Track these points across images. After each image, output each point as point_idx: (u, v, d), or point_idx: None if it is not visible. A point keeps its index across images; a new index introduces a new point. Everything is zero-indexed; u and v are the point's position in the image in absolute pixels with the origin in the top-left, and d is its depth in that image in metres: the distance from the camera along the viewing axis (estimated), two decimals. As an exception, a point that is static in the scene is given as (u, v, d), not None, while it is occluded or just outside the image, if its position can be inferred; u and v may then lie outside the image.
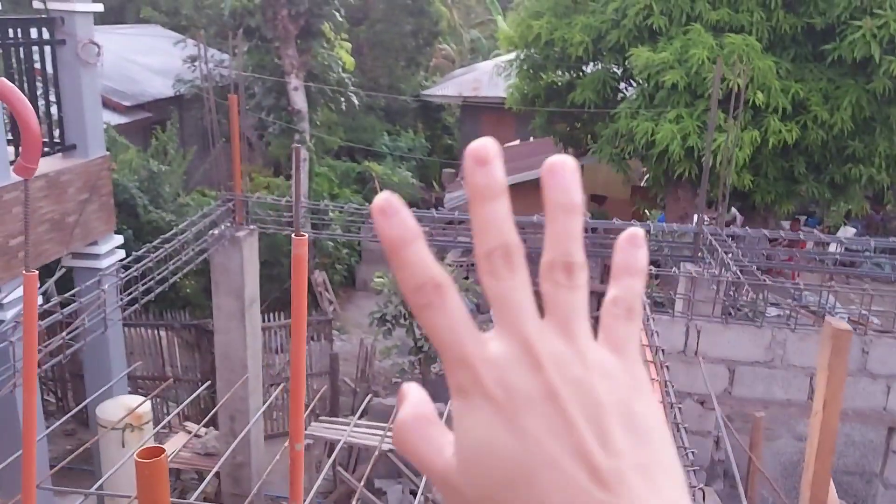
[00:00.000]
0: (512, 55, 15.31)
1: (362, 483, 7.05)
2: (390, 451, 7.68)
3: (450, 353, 0.44)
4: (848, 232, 14.61)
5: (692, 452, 4.47)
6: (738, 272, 7.51)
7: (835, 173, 11.86)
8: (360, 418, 8.35)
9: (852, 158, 11.61)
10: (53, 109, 8.08)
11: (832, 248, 12.55)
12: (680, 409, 5.03)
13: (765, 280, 7.53)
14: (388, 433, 7.86)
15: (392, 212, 0.44)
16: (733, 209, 13.80)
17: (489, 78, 22.19)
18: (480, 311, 14.94)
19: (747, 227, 9.98)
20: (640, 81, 12.50)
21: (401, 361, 11.99)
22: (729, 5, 11.50)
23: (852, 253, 11.06)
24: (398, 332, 11.72)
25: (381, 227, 0.44)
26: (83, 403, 6.02)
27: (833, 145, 11.56)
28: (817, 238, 9.50)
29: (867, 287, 8.05)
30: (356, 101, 17.33)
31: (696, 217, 9.97)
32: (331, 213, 11.72)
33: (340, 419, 8.93)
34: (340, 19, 16.19)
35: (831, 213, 12.69)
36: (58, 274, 8.14)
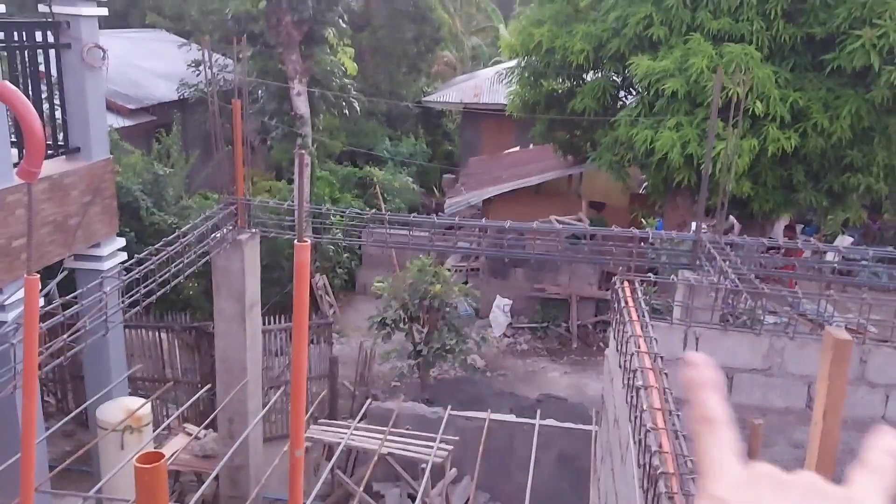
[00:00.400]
0: (513, 62, 15.39)
1: (361, 487, 7.09)
2: (389, 454, 7.72)
3: (709, 468, 0.61)
4: (845, 241, 14.66)
5: (690, 460, 4.51)
6: (737, 280, 7.55)
7: (833, 182, 11.91)
8: (359, 422, 8.39)
9: (850, 168, 11.67)
10: (58, 112, 8.15)
11: (829, 256, 12.59)
12: (679, 416, 5.06)
13: (763, 288, 7.56)
14: (387, 437, 7.90)
15: (697, 366, 0.65)
16: (731, 217, 13.86)
17: (490, 85, 22.30)
18: (479, 315, 14.98)
19: (745, 235, 10.02)
20: (640, 90, 12.57)
21: (400, 365, 12.03)
22: (729, 15, 11.57)
23: (850, 262, 11.09)
24: (398, 336, 11.77)
25: (687, 373, 0.65)
26: (83, 405, 6.05)
27: (832, 154, 11.62)
28: (815, 247, 9.53)
29: (866, 296, 8.09)
30: (358, 107, 17.41)
31: (694, 225, 10.01)
32: (332, 218, 11.76)
33: (339, 422, 8.96)
34: (344, 25, 16.28)
35: (829, 221, 12.73)
36: (60, 276, 8.18)
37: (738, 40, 11.46)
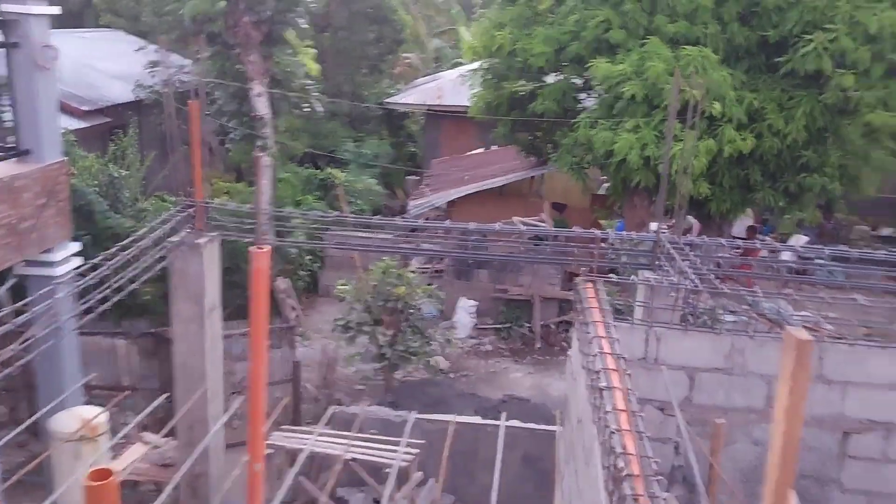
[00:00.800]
0: (475, 65, 15.42)
1: (326, 493, 7.01)
2: (353, 459, 7.64)
3: None
4: (801, 240, 14.99)
5: (655, 462, 4.53)
6: (696, 280, 7.65)
7: (789, 182, 12.14)
8: (322, 427, 8.30)
9: (806, 168, 11.91)
10: (8, 114, 7.91)
11: (787, 256, 12.85)
12: (641, 417, 5.10)
13: (722, 288, 7.68)
14: (352, 442, 7.83)
15: None
16: (689, 217, 14.06)
17: (453, 86, 22.31)
18: (443, 317, 14.95)
19: (704, 236, 10.17)
20: (601, 92, 12.68)
21: (364, 368, 11.94)
22: (685, 18, 11.73)
23: (806, 261, 11.35)
24: (362, 338, 11.68)
25: None
26: (36, 415, 5.87)
27: (787, 155, 11.85)
28: (772, 246, 9.72)
29: (823, 295, 8.25)
30: (320, 108, 17.27)
31: (653, 225, 10.12)
32: (294, 220, 11.63)
33: (303, 428, 8.85)
34: (305, 26, 16.14)
35: (785, 221, 12.97)
36: (9, 283, 7.94)
37: (695, 43, 11.63)
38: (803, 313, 10.87)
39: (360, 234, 10.82)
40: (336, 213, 9.06)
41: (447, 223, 8.83)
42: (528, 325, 14.99)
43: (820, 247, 10.41)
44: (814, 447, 7.55)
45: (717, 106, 11.11)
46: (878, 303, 8.77)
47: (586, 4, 12.39)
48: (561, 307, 15.02)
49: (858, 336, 8.59)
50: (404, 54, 27.38)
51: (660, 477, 4.41)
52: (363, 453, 7.67)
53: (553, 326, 15.07)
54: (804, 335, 3.94)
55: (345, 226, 8.85)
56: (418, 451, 7.92)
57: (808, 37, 10.82)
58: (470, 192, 16.77)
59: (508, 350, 14.57)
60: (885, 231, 17.11)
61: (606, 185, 15.36)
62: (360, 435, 7.92)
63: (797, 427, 3.95)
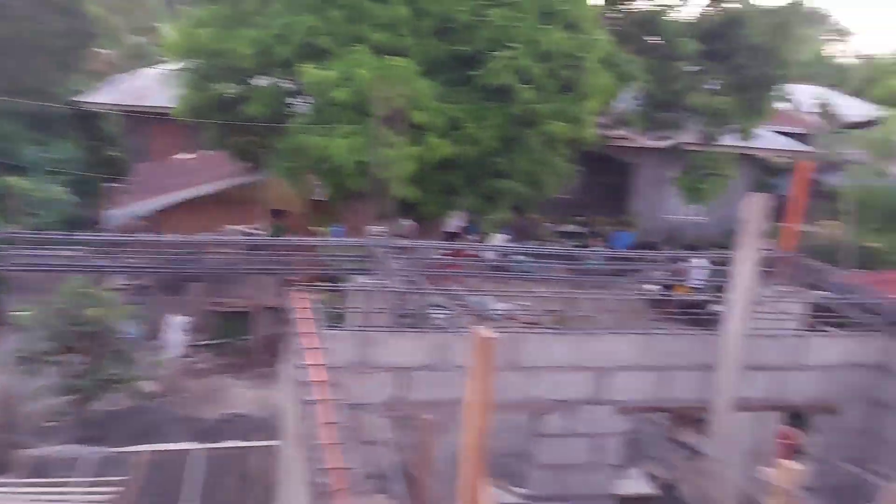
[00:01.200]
0: (179, 64, 14.50)
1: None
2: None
3: None
4: (500, 239, 16.36)
5: (360, 471, 4.56)
6: (406, 282, 7.92)
7: (486, 186, 13.19)
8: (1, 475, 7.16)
9: (500, 173, 13.04)
10: None
11: (491, 253, 13.98)
12: (354, 426, 5.11)
13: (430, 288, 8.05)
14: (36, 489, 6.83)
15: None
16: (404, 221, 14.65)
17: (157, 86, 20.80)
18: (152, 337, 13.83)
19: (417, 238, 10.63)
20: (312, 97, 12.65)
21: (55, 403, 10.56)
22: (388, 30, 12.16)
23: (506, 257, 12.42)
24: (51, 369, 10.31)
25: None
26: None
27: (485, 161, 12.87)
28: (475, 246, 10.48)
29: (516, 288, 9.03)
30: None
31: (368, 229, 10.34)
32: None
33: (-28, 483, 7.54)
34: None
35: (486, 221, 14.09)
36: None
37: (400, 54, 12.11)
38: (503, 305, 11.89)
39: (42, 251, 9.49)
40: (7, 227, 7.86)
41: (151, 235, 8.13)
42: (249, 337, 14.45)
43: (515, 245, 11.50)
44: (512, 426, 8.23)
45: (421, 115, 11.69)
46: (559, 292, 9.88)
47: (292, 9, 12.28)
48: (278, 317, 14.72)
49: (547, 324, 9.61)
50: (100, 50, 24.91)
51: (366, 487, 4.44)
52: (47, 500, 6.74)
53: (275, 337, 14.70)
54: (488, 333, 4.24)
55: (15, 244, 7.70)
56: (120, 488, 7.18)
57: (496, 53, 11.84)
58: (181, 199, 15.71)
59: (228, 365, 13.93)
60: (567, 227, 19.40)
61: (326, 190, 15.39)
62: (44, 480, 6.96)
63: (485, 416, 4.23)
